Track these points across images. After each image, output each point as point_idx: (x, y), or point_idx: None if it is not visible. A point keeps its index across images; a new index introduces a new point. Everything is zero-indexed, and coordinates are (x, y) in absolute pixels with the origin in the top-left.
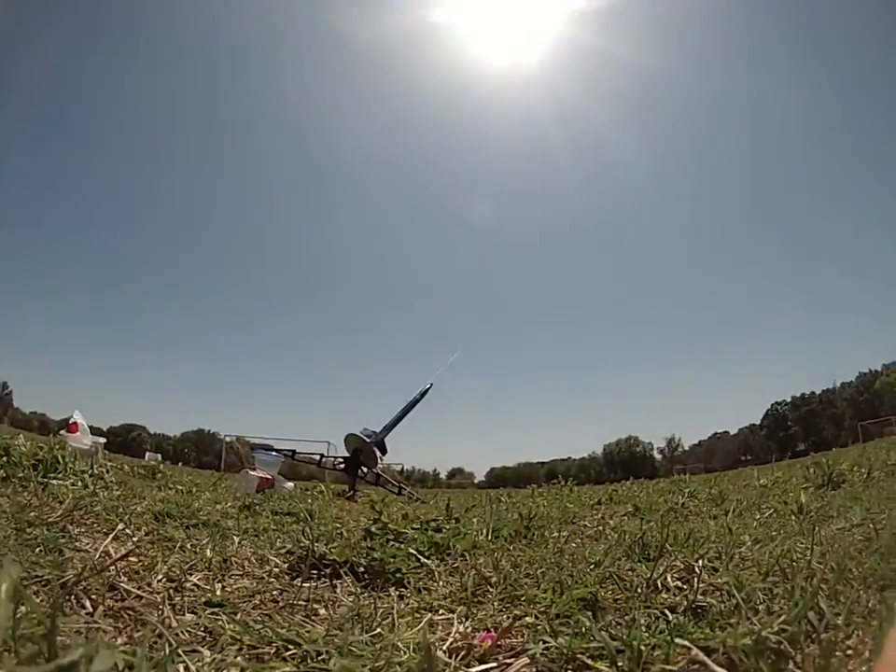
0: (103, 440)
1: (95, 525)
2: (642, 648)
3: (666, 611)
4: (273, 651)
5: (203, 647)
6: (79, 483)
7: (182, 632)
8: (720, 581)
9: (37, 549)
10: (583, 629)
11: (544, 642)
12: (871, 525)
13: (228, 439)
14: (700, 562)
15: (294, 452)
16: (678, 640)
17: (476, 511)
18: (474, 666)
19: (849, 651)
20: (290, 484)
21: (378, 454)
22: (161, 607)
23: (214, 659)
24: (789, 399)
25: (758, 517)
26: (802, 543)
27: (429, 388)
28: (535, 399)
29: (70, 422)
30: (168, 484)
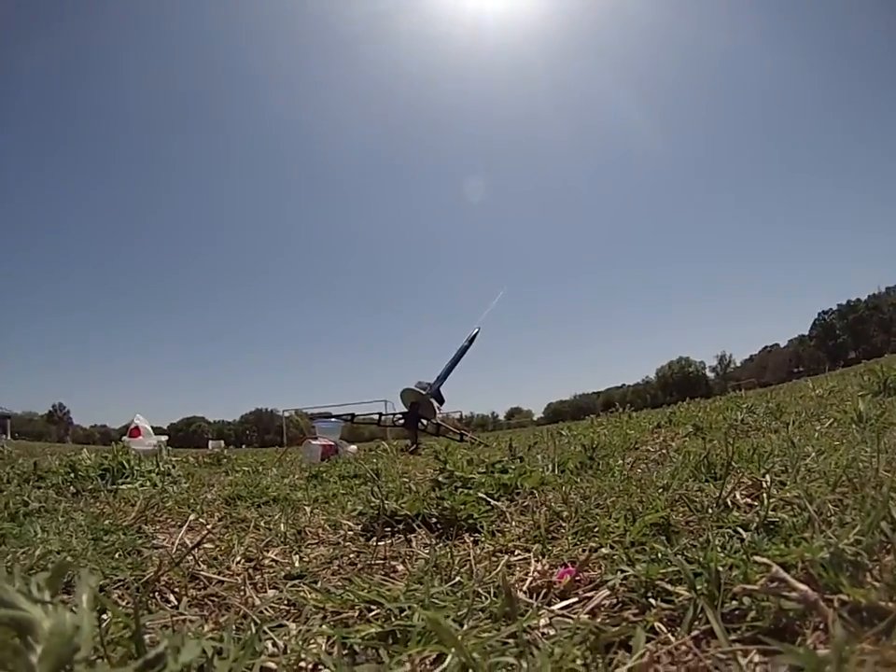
0: (165, 437)
1: (169, 520)
2: (719, 569)
3: (739, 529)
4: (356, 615)
5: (288, 620)
6: (148, 484)
7: (266, 609)
8: (789, 495)
9: (116, 554)
10: (659, 555)
11: (622, 571)
12: None
13: (286, 413)
14: (767, 477)
15: (353, 415)
16: (755, 558)
17: (539, 447)
18: (555, 603)
19: None
20: (353, 447)
21: (435, 404)
22: (242, 588)
23: (300, 630)
24: (835, 308)
25: (818, 428)
26: (867, 452)
27: (477, 333)
28: (584, 330)
29: (132, 427)
30: (234, 468)
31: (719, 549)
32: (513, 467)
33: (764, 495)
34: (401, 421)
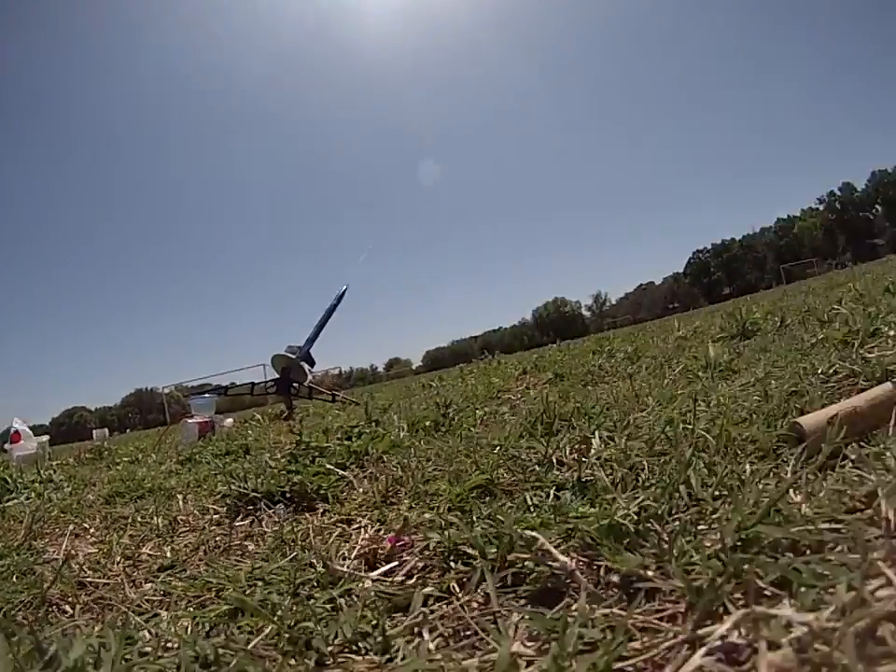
0: (46, 437)
1: (56, 530)
2: (512, 535)
3: (554, 489)
4: (213, 596)
5: (161, 609)
6: (33, 495)
7: (141, 602)
8: (608, 453)
9: (13, 577)
10: (468, 519)
11: (433, 538)
12: (770, 382)
13: (166, 390)
14: (597, 433)
15: (226, 388)
16: (524, 532)
17: (396, 406)
18: (379, 568)
19: (712, 525)
20: (230, 421)
21: (306, 367)
22: (122, 586)
23: (171, 617)
24: (710, 247)
25: (668, 375)
26: (701, 405)
27: (345, 291)
28: (456, 275)
29: (11, 432)
30: (115, 460)
31: (532, 509)
32: (367, 431)
33: (589, 453)
34: (273, 387)
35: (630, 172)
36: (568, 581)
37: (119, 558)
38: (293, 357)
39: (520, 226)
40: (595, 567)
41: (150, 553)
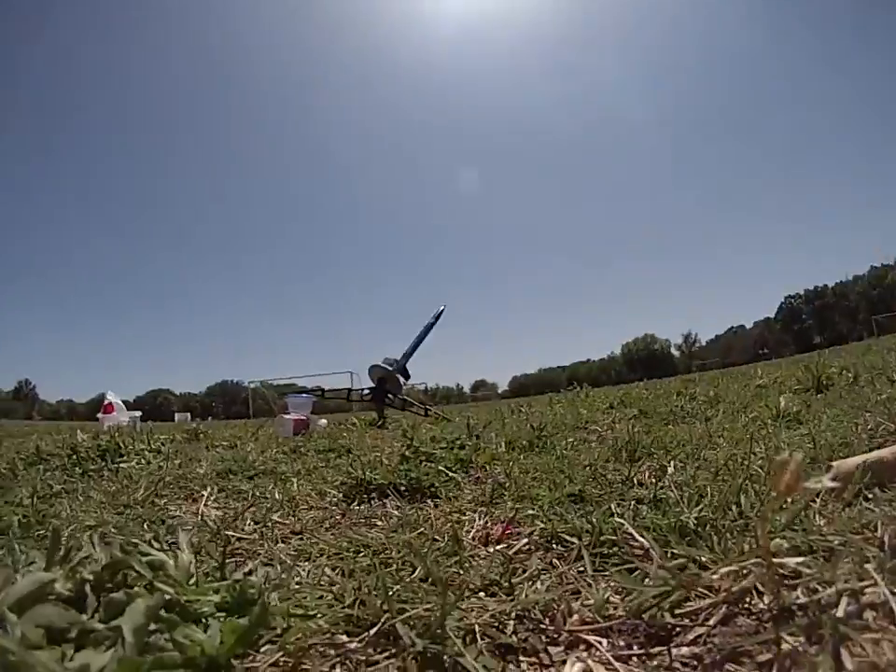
0: (138, 413)
1: (173, 493)
2: (602, 528)
3: (634, 502)
4: (351, 554)
5: (301, 562)
6: (143, 461)
7: (282, 555)
8: (679, 478)
9: (144, 524)
10: (565, 516)
11: (540, 527)
12: (827, 433)
13: (252, 385)
14: (672, 462)
15: (323, 390)
16: (618, 520)
17: (494, 426)
18: (490, 547)
19: (749, 537)
20: (324, 421)
21: (402, 380)
22: (261, 542)
23: (312, 566)
24: (802, 293)
25: (742, 420)
26: (761, 447)
27: (442, 311)
28: (552, 304)
29: (105, 403)
30: (213, 443)
31: (614, 515)
32: (470, 444)
33: (665, 477)
34: (369, 396)
35: (726, 215)
36: (644, 559)
37: (249, 521)
38: (390, 368)
39: (617, 263)
40: (665, 551)
41: (278, 520)
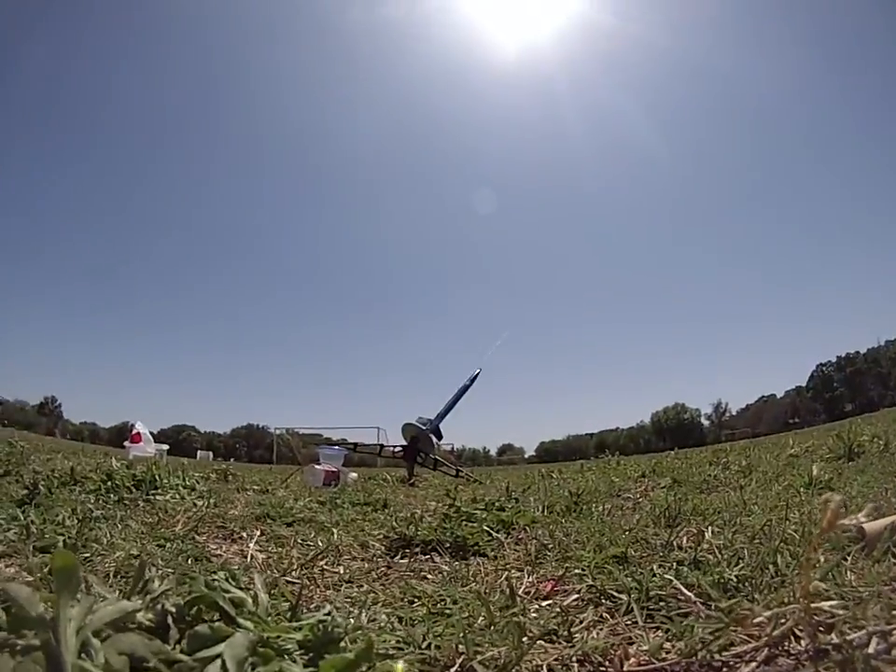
0: (165, 446)
1: (211, 532)
2: (649, 585)
3: (675, 564)
4: (406, 604)
5: (357, 609)
6: (178, 496)
7: (337, 601)
8: (717, 542)
9: (189, 560)
10: (613, 575)
11: (587, 584)
12: (858, 499)
13: (278, 432)
14: (710, 528)
15: (355, 444)
16: (666, 576)
17: (531, 490)
18: (541, 602)
19: (787, 591)
20: (354, 475)
21: (434, 440)
22: (308, 588)
23: (371, 614)
24: (833, 360)
25: (775, 488)
26: (795, 513)
27: (478, 374)
28: (580, 370)
29: (133, 433)
30: (244, 486)
31: (655, 573)
32: (510, 506)
33: (702, 541)
34: (401, 453)
35: (757, 283)
36: (691, 610)
37: (296, 565)
38: (423, 427)
39: (644, 328)
40: (708, 605)
41: (325, 567)
